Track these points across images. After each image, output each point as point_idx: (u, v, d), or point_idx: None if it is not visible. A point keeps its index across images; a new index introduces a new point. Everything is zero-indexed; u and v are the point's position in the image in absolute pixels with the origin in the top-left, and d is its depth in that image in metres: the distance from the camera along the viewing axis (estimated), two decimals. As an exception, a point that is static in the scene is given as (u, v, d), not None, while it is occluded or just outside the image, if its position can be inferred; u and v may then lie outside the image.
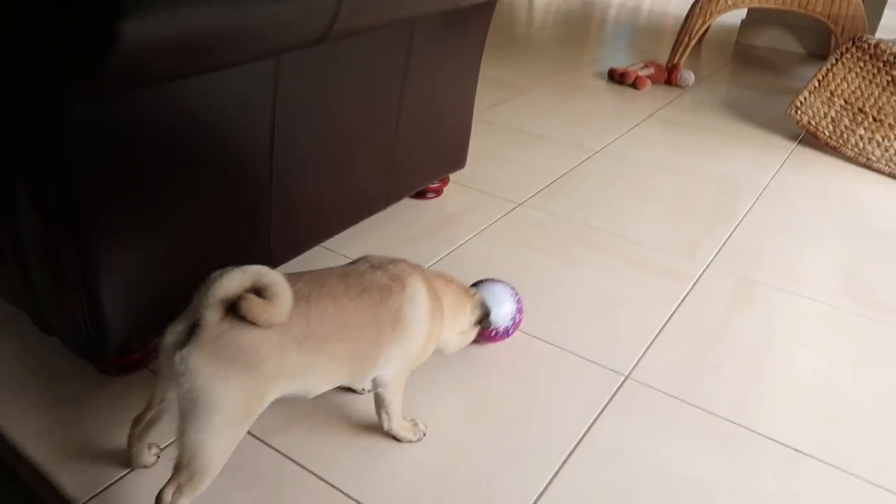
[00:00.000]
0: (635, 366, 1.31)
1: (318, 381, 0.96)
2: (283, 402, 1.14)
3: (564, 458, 1.09)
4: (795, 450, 1.15)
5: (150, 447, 1.02)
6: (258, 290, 0.83)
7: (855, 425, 1.21)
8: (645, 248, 1.72)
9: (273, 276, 0.83)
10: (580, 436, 1.14)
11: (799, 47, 3.85)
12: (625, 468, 1.08)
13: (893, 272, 1.70)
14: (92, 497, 0.97)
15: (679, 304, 1.50)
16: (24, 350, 1.23)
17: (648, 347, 1.36)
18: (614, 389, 1.25)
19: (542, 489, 1.04)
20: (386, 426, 1.09)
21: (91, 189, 0.95)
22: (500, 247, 1.68)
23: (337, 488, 1.01)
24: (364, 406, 1.16)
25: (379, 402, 1.08)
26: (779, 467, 1.11)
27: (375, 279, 0.99)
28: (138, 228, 1.04)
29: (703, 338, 1.40)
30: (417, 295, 1.02)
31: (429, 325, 1.04)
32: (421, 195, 1.88)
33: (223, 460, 0.87)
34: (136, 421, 0.98)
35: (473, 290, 1.20)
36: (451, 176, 1.94)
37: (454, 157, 1.82)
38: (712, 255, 1.70)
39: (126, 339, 1.14)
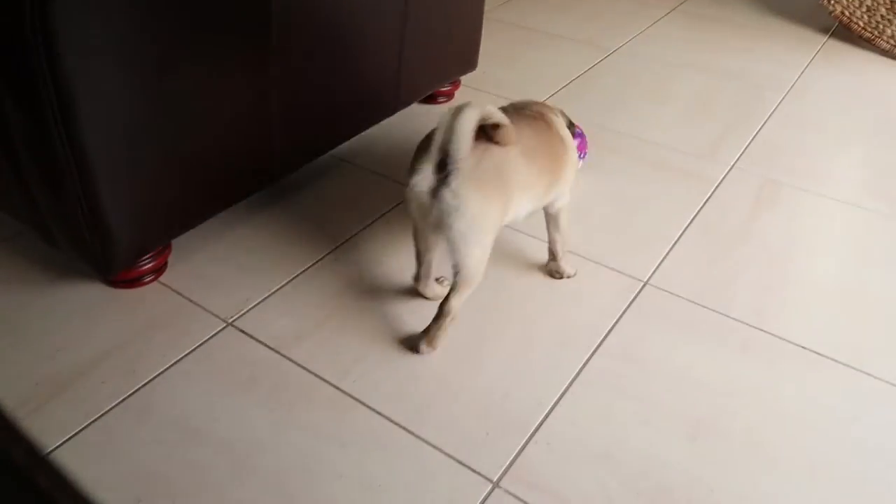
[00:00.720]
0: (654, 271, 1.27)
1: (531, 195, 1.07)
2: (297, 312, 1.13)
3: (581, 365, 1.08)
4: (815, 352, 1.12)
5: (438, 280, 1.18)
6: (483, 122, 0.94)
7: (877, 327, 1.19)
8: (666, 150, 1.65)
9: (493, 109, 0.96)
10: (597, 343, 1.12)
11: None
12: (642, 373, 1.07)
13: (926, 171, 1.63)
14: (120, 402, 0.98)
15: (700, 208, 1.45)
16: (33, 264, 1.21)
17: (668, 253, 1.32)
18: (633, 296, 1.22)
19: (558, 397, 1.03)
20: (560, 253, 1.22)
21: (79, 72, 0.89)
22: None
23: (351, 396, 1.01)
24: (379, 316, 1.15)
25: (554, 231, 1.20)
26: (797, 369, 1.09)
27: (530, 115, 1.13)
28: (134, 123, 0.99)
29: (725, 242, 1.36)
30: (561, 125, 1.17)
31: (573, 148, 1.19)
32: (431, 99, 1.80)
33: (486, 262, 1.03)
34: (417, 277, 1.15)
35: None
36: (463, 78, 1.86)
37: (465, 57, 1.73)
38: (736, 156, 1.63)
39: (133, 251, 1.12)
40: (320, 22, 1.22)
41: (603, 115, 1.79)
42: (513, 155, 1.01)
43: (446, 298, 1.05)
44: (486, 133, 0.97)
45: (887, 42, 2.18)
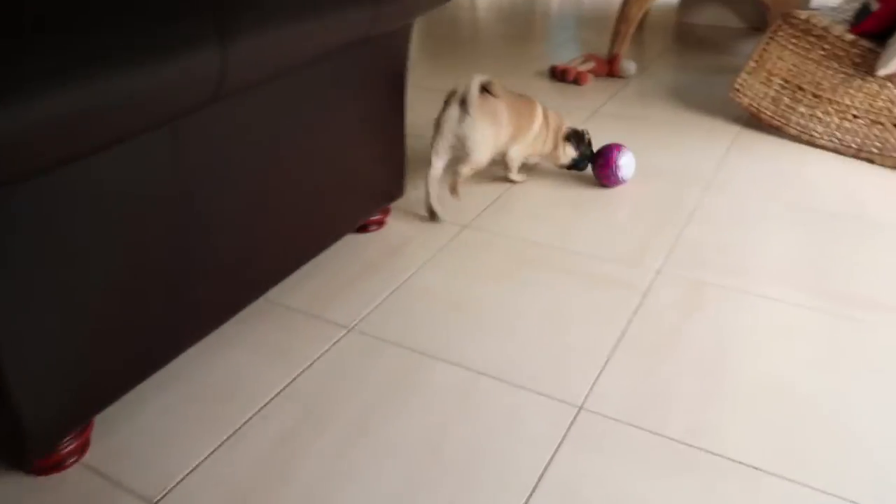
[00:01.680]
0: (589, 394, 1.27)
1: (505, 132, 1.86)
2: (226, 482, 1.08)
3: (519, 508, 1.05)
4: (755, 468, 1.11)
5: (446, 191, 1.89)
6: (485, 84, 1.76)
7: (817, 435, 1.18)
8: (593, 259, 1.68)
9: (489, 78, 1.76)
10: (535, 482, 1.10)
11: (739, 22, 3.84)
12: (582, 512, 1.05)
13: (846, 256, 1.68)
14: None
15: (630, 319, 1.47)
16: (-57, 460, 1.16)
17: (601, 372, 1.32)
18: (568, 423, 1.21)
19: (496, 548, 0.99)
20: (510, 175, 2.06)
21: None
22: (446, 277, 1.63)
23: (334, 322, 0.97)
24: (360, 251, 1.11)
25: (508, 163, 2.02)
26: (739, 489, 1.08)
27: (520, 94, 1.98)
28: (44, 324, 0.98)
29: (657, 353, 1.37)
30: (538, 107, 1.99)
31: (540, 128, 1.98)
32: (363, 228, 1.82)
33: (485, 161, 1.84)
34: (428, 194, 1.87)
35: (566, 131, 2.05)
36: (396, 203, 1.89)
37: (389, 188, 1.77)
38: (661, 260, 1.67)
39: (49, 437, 1.08)
40: (231, 193, 1.24)
41: (531, 227, 1.83)
42: (501, 104, 1.82)
43: (457, 171, 1.84)
44: (487, 90, 1.77)
45: (794, 128, 2.30)
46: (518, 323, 1.46)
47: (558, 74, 3.00)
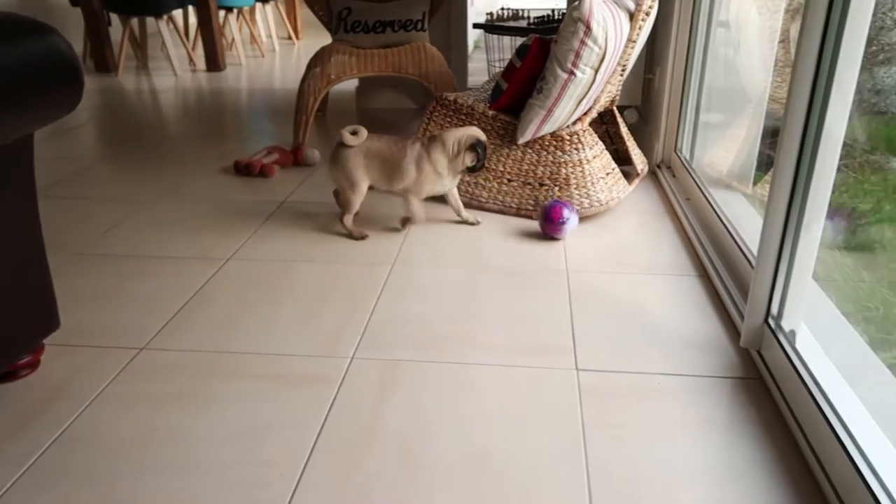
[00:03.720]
0: (286, 512, 1.17)
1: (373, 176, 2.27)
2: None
3: None
4: (457, 544, 1.11)
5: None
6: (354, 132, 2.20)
7: (511, 492, 1.22)
8: (286, 358, 1.61)
9: (359, 127, 2.21)
10: None
11: (412, 103, 4.18)
12: None
13: (511, 309, 1.83)
14: None
15: (327, 415, 1.41)
16: None
17: (299, 482, 1.24)
18: (265, 553, 1.09)
19: None
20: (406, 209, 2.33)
21: None
22: (120, 412, 1.43)
23: None
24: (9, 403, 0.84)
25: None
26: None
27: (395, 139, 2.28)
28: None
29: (356, 448, 1.32)
30: (414, 151, 2.23)
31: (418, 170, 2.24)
32: (11, 376, 1.53)
33: (353, 202, 2.27)
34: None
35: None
36: (52, 338, 1.63)
37: (37, 322, 1.52)
38: (354, 346, 1.66)
39: None
40: None
41: (221, 337, 1.70)
42: (357, 154, 2.23)
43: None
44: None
45: (463, 196, 2.51)
46: (206, 450, 1.32)
47: (243, 169, 2.94)
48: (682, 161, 2.65)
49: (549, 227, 2.25)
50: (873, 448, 1.13)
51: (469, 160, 2.21)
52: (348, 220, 2.29)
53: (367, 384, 1.51)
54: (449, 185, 2.30)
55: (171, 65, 5.53)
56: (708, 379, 1.52)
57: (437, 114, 2.52)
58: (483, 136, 2.23)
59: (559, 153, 2.35)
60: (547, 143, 2.36)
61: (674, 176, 2.71)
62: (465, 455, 1.30)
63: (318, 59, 3.25)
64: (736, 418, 1.39)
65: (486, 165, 2.45)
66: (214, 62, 5.63)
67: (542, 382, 1.51)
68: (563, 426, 1.37)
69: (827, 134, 1.35)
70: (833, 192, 2.66)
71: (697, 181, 2.42)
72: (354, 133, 2.21)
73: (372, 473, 1.26)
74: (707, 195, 2.29)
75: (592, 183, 2.34)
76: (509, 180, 2.42)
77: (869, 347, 1.84)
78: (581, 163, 2.33)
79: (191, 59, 6.00)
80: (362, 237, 2.29)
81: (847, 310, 2.10)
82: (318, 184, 2.84)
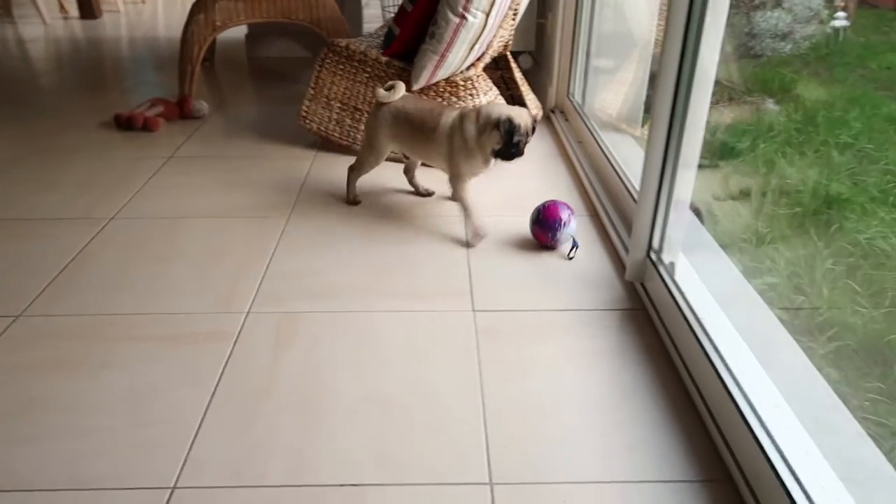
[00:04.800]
0: (181, 470, 1.15)
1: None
2: None
3: None
4: (357, 485, 1.13)
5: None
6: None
7: (411, 433, 1.25)
8: (179, 317, 1.56)
9: (398, 83, 1.98)
10: None
11: (305, 51, 4.04)
12: None
13: (409, 257, 1.85)
14: None
15: (223, 371, 1.39)
16: None
17: (194, 439, 1.21)
18: (160, 512, 1.07)
19: None
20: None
21: None
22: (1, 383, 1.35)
23: None
24: None
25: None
26: (346, 513, 1.08)
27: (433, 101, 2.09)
28: None
29: (254, 400, 1.31)
30: (450, 117, 1.90)
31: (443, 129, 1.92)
32: None
33: (362, 164, 2.09)
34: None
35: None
36: None
37: None
38: (250, 301, 1.62)
39: None
40: None
41: (105, 299, 1.62)
42: (385, 111, 1.98)
43: None
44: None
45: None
46: (94, 416, 1.27)
47: (125, 122, 2.76)
48: (574, 105, 2.71)
49: (540, 231, 1.86)
50: (741, 367, 1.23)
51: (494, 141, 1.80)
52: (353, 179, 2.10)
53: (264, 338, 1.49)
54: (483, 166, 1.89)
55: (39, 11, 5.07)
56: (597, 312, 1.59)
57: (328, 61, 2.45)
58: (518, 117, 1.78)
59: (454, 99, 2.34)
60: (441, 90, 2.35)
61: (567, 120, 2.78)
62: (366, 398, 1.31)
63: (202, 6, 3.07)
64: (622, 347, 1.47)
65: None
66: (89, 9, 5.22)
67: (440, 325, 1.54)
68: (460, 365, 1.41)
69: (700, 74, 1.41)
70: (714, 133, 2.79)
71: (588, 125, 2.49)
72: (391, 88, 1.97)
73: (271, 424, 1.25)
74: (597, 138, 2.36)
75: (488, 129, 2.36)
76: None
77: (742, 276, 1.99)
78: (476, 109, 2.34)
79: (62, 6, 5.53)
80: (355, 202, 2.11)
81: (724, 242, 2.25)
82: (207, 137, 2.72)
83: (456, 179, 1.93)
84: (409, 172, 2.18)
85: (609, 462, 1.17)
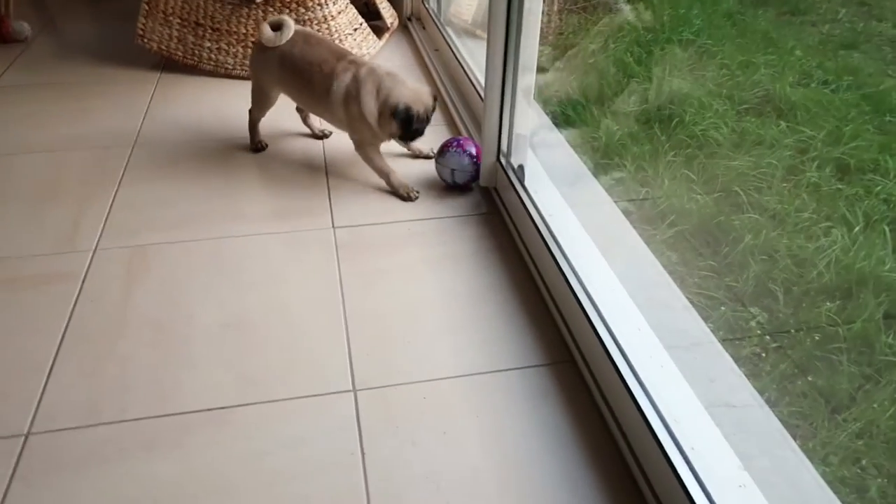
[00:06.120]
0: (34, 416, 1.12)
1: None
2: None
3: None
4: (221, 408, 1.14)
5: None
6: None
7: (267, 351, 1.27)
8: (16, 260, 1.46)
9: (285, 20, 1.73)
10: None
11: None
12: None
13: (267, 181, 1.81)
14: None
15: (71, 313, 1.33)
16: None
17: (46, 384, 1.18)
18: (14, 460, 1.05)
19: None
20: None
21: None
22: None
23: None
24: None
25: None
26: (211, 435, 1.10)
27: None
28: None
29: (108, 338, 1.28)
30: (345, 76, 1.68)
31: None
32: None
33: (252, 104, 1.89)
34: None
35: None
36: None
37: None
38: (96, 237, 1.55)
39: None
40: None
41: (-71, 250, 1.49)
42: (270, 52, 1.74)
43: None
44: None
45: (208, 64, 2.34)
46: (-72, 371, 1.19)
47: (-69, 51, 2.45)
48: (430, 13, 2.67)
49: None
50: (580, 258, 1.33)
51: (393, 128, 1.67)
52: (252, 122, 1.88)
53: (114, 274, 1.44)
54: (385, 138, 1.74)
55: None
56: (455, 219, 1.64)
57: (161, -28, 2.26)
58: (417, 103, 1.65)
59: (302, 10, 2.24)
60: (289, 1, 2.24)
61: (423, 28, 2.74)
62: (225, 324, 1.31)
63: None
64: (479, 250, 1.54)
65: (229, 29, 2.28)
66: None
67: (300, 245, 1.54)
68: (321, 282, 1.43)
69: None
70: (567, 33, 2.83)
71: (444, 33, 2.47)
72: (278, 27, 1.71)
73: (127, 358, 1.23)
74: (452, 46, 2.35)
75: (340, 40, 2.29)
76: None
77: (591, 173, 2.10)
78: (326, 19, 2.26)
79: None
80: (257, 149, 1.89)
81: (576, 142, 2.35)
82: (33, 62, 2.47)
83: (360, 147, 1.76)
84: (302, 111, 1.97)
85: (464, 357, 1.25)
